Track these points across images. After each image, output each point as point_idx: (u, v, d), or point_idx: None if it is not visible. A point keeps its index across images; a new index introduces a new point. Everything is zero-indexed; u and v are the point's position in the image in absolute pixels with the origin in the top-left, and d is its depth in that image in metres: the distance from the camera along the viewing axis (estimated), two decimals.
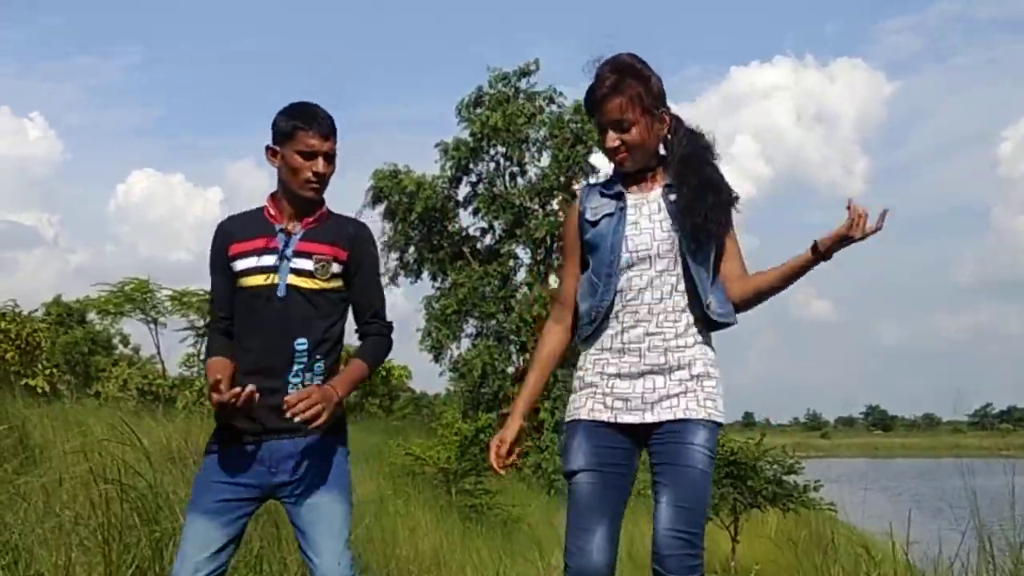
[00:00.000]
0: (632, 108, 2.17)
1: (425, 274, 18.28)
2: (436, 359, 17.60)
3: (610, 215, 2.30)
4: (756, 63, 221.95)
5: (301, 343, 2.34)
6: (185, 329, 15.17)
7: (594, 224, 2.30)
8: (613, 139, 2.22)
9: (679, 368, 2.19)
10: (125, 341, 19.82)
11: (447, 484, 11.57)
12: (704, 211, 2.16)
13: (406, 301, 20.10)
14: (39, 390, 11.95)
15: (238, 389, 2.11)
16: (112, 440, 4.93)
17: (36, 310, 16.94)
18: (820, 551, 9.36)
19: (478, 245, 18.07)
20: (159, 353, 16.39)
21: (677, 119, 2.28)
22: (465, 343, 17.49)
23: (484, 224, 17.78)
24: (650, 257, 2.25)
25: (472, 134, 16.87)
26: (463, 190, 17.75)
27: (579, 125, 16.16)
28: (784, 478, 13.39)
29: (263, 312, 2.32)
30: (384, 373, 19.91)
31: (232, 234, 2.37)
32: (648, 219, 2.29)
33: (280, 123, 2.29)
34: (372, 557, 5.44)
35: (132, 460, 4.47)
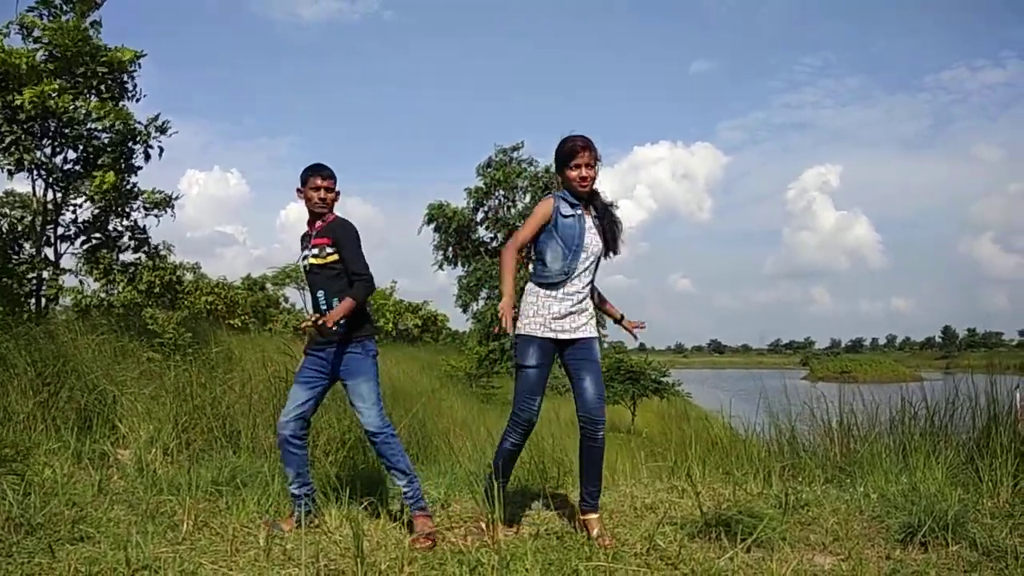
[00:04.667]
0: (593, 159, 3.40)
1: (458, 264, 27.25)
2: (464, 311, 27.11)
3: (575, 216, 3.41)
4: (648, 144, 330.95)
5: (320, 294, 3.48)
6: None
7: (565, 218, 3.40)
8: (584, 172, 3.37)
9: (588, 311, 3.45)
10: (286, 299, 26.83)
11: (470, 382, 18.29)
12: (615, 240, 3.49)
13: (447, 279, 29.57)
14: (237, 326, 16.40)
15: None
16: (278, 354, 6.60)
17: (235, 281, 23.59)
18: (681, 420, 13.22)
19: (488, 247, 26.88)
20: (305, 306, 24.60)
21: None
22: (480, 303, 26.51)
23: (492, 235, 26.96)
24: (590, 252, 3.43)
25: (485, 183, 26.24)
26: (480, 215, 27.04)
27: (547, 178, 25.08)
28: (661, 379, 21.02)
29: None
30: (434, 319, 28.33)
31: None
32: (591, 231, 3.44)
33: (301, 175, 3.52)
34: (427, 422, 6.92)
35: (289, 365, 5.73)
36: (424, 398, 8.53)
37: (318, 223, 3.56)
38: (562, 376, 3.53)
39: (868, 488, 4.16)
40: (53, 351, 6.03)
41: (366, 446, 5.02)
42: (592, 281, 3.51)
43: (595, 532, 3.39)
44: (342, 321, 3.35)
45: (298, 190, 3.59)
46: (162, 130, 9.29)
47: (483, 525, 3.44)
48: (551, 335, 3.37)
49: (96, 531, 3.35)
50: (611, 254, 3.53)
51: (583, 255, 3.40)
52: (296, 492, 3.61)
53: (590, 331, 3.43)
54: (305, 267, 3.60)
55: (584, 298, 3.44)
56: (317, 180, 3.54)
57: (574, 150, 3.39)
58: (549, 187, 24.70)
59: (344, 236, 3.48)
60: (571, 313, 3.39)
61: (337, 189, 3.61)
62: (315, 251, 3.51)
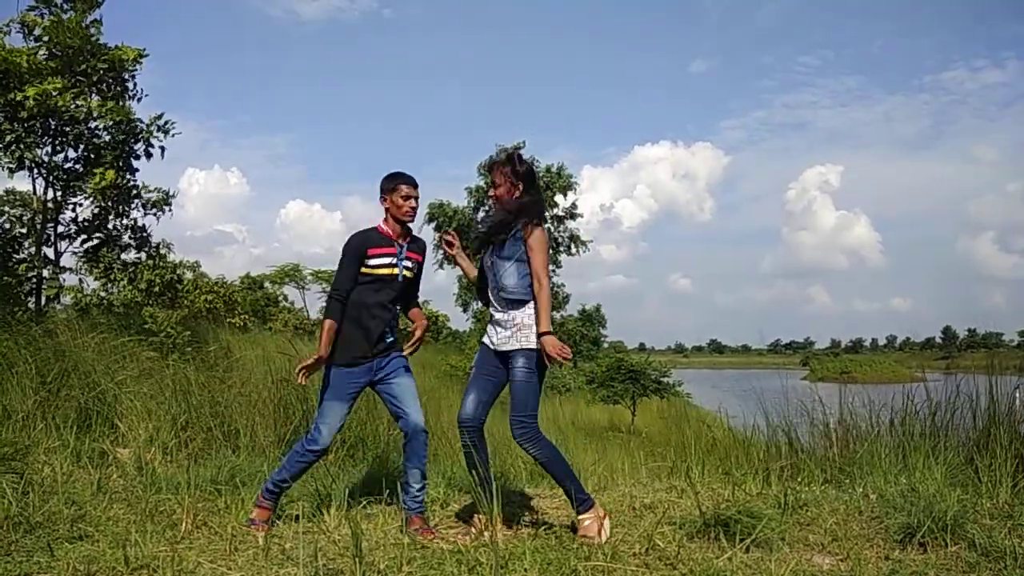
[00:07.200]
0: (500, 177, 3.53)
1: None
2: (464, 310, 27.79)
3: None
4: (649, 144, 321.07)
5: (398, 306, 3.66)
6: (320, 292, 24.11)
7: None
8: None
9: (505, 325, 3.47)
10: (285, 298, 26.84)
11: None
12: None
13: (447, 278, 30.14)
14: (237, 325, 16.22)
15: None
16: (278, 353, 6.85)
17: (235, 280, 23.93)
18: (681, 420, 13.12)
19: None
20: (304, 305, 25.94)
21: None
22: (480, 302, 25.68)
23: None
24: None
25: (486, 182, 26.39)
26: (480, 215, 26.88)
27: (548, 179, 25.19)
28: (661, 379, 20.89)
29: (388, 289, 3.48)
30: (434, 318, 28.13)
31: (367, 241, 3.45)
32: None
33: (385, 182, 3.52)
34: (429, 421, 6.45)
35: (290, 365, 5.87)
36: (424, 397, 8.61)
37: (409, 237, 3.64)
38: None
39: (867, 488, 4.16)
40: (53, 350, 6.04)
41: (365, 445, 5.06)
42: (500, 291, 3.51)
43: (579, 532, 3.38)
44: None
45: (382, 197, 3.56)
46: (165, 131, 9.28)
47: (480, 524, 3.44)
48: (486, 340, 3.60)
49: (95, 530, 3.35)
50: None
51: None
52: (276, 490, 3.60)
53: (508, 346, 3.45)
54: (399, 276, 3.59)
55: (498, 311, 3.50)
56: (409, 188, 3.55)
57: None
58: (550, 187, 24.77)
59: (424, 258, 3.71)
60: (492, 323, 3.57)
61: None
62: (409, 264, 3.61)
